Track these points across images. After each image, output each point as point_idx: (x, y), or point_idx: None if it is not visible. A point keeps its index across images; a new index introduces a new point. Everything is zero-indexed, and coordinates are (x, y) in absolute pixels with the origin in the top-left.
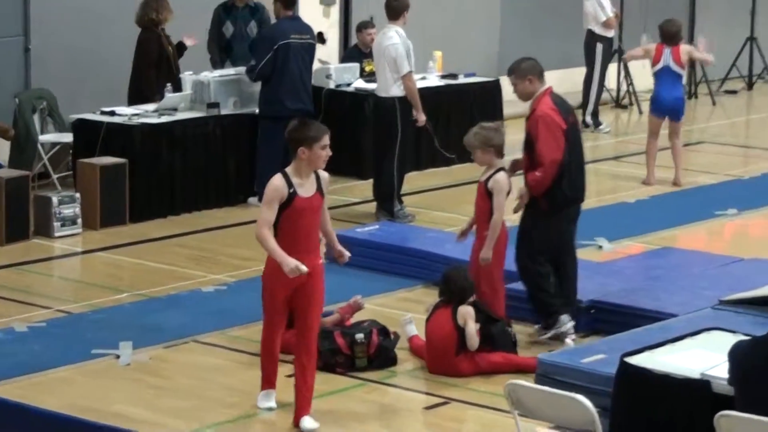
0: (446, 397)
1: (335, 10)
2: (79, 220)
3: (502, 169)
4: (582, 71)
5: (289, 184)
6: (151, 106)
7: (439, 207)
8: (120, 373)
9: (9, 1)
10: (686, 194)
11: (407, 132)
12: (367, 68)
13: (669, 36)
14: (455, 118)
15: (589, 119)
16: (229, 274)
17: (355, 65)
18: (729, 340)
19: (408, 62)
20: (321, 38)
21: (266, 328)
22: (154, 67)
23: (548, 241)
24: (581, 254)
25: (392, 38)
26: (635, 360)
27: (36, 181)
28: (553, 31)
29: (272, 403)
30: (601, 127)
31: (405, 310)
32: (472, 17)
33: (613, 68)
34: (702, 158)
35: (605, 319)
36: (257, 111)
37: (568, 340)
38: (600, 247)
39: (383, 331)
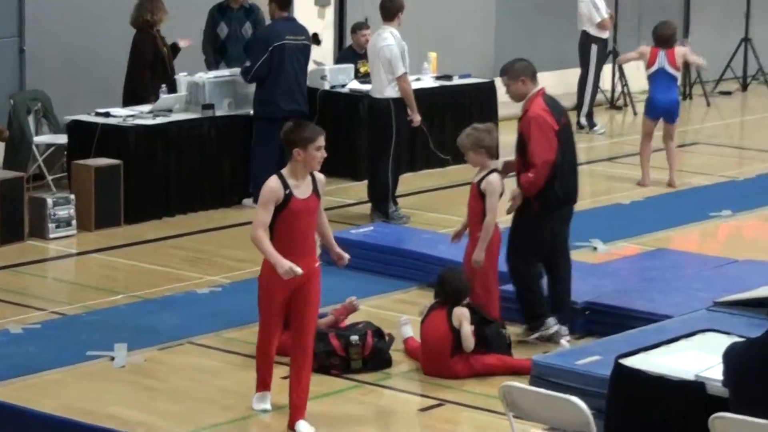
0: (441, 398)
1: (330, 11)
2: (74, 222)
3: (495, 170)
4: (577, 72)
5: (285, 186)
6: (145, 108)
7: (434, 208)
8: (115, 374)
9: (3, 3)
10: (681, 195)
11: (402, 133)
12: (362, 69)
13: (664, 39)
14: (450, 120)
15: (583, 120)
16: (224, 275)
17: (350, 66)
18: (724, 341)
19: (403, 63)
20: (316, 39)
21: (262, 331)
22: (149, 68)
23: (540, 242)
24: (576, 255)
25: (387, 39)
26: (630, 362)
27: (31, 182)
28: (547, 32)
29: (267, 405)
30: (595, 128)
31: (400, 312)
32: (467, 18)
33: (607, 69)
34: (696, 159)
35: (600, 320)
36: (252, 112)
37: (564, 342)
38: (595, 248)
39: (378, 333)
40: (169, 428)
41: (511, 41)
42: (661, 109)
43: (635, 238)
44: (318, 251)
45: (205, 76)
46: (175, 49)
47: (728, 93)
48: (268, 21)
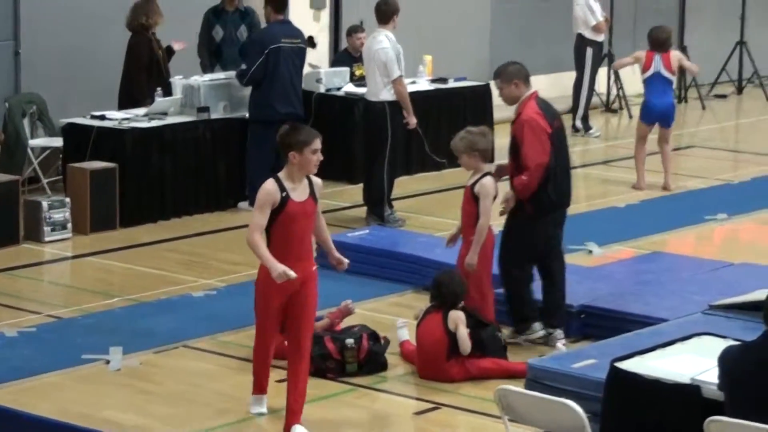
0: (436, 402)
1: (325, 14)
2: (69, 225)
3: (488, 173)
4: (572, 75)
5: (282, 189)
6: (141, 111)
7: (430, 211)
8: (110, 378)
9: None
10: (676, 199)
11: (397, 136)
12: (357, 72)
13: (659, 43)
14: (445, 123)
15: (579, 124)
16: (219, 278)
17: (345, 69)
18: (719, 345)
19: (398, 66)
20: (311, 42)
21: (259, 336)
22: (144, 71)
23: (534, 246)
24: (571, 259)
25: (382, 42)
26: (625, 365)
27: (26, 185)
28: (543, 36)
29: (263, 409)
30: (591, 131)
31: (395, 315)
32: (463, 21)
33: (603, 72)
34: (692, 163)
35: (595, 323)
36: (247, 115)
37: (560, 345)
38: (590, 251)
39: (373, 336)
40: (164, 431)
41: (506, 44)
42: (658, 113)
43: (631, 242)
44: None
45: (201, 79)
46: (169, 51)
47: (723, 96)
48: (263, 24)
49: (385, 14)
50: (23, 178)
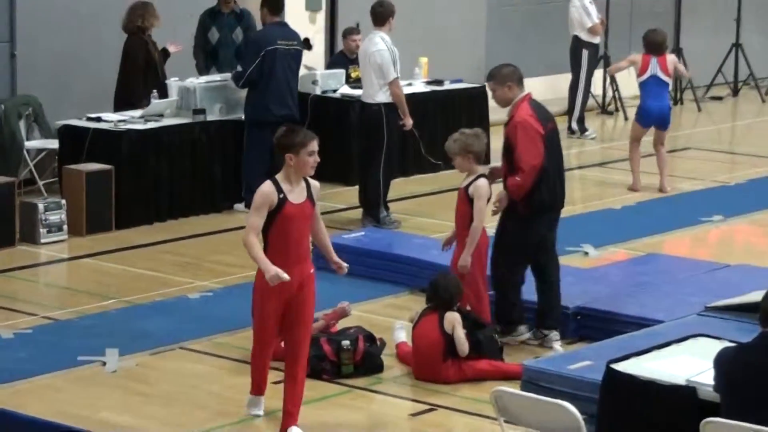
0: (432, 403)
1: (321, 16)
2: (65, 227)
3: (482, 175)
4: (568, 77)
5: (279, 190)
6: (137, 113)
7: (425, 213)
8: (106, 379)
9: None
10: (672, 201)
11: (393, 138)
12: (353, 74)
13: (655, 46)
14: (441, 125)
15: (575, 125)
16: (215, 280)
17: (341, 71)
18: (715, 346)
19: (394, 69)
20: (307, 44)
21: (257, 340)
22: (140, 73)
23: (527, 246)
24: (567, 260)
25: (378, 44)
26: (621, 366)
27: (22, 187)
28: (538, 38)
29: (260, 411)
30: (587, 133)
31: (391, 317)
32: (458, 23)
33: (598, 74)
34: (688, 164)
35: (591, 325)
36: (243, 117)
37: (557, 346)
38: (586, 253)
39: (369, 338)
40: None
41: (502, 46)
42: (654, 116)
43: (626, 243)
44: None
45: (196, 81)
46: (165, 54)
47: (719, 98)
48: (259, 26)
49: (381, 16)
50: (19, 180)
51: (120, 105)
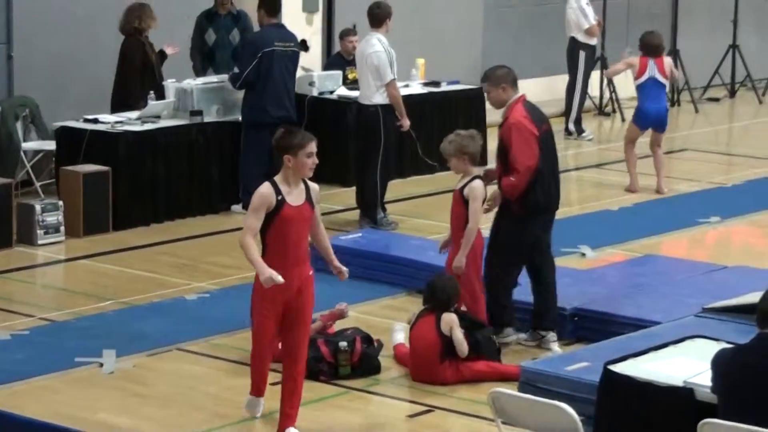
0: (430, 405)
1: (318, 18)
2: (62, 228)
3: (478, 176)
4: (565, 79)
5: (278, 192)
6: (134, 114)
7: (423, 214)
8: (103, 381)
9: None
10: (669, 202)
11: (390, 140)
12: (350, 76)
13: (653, 48)
14: (438, 126)
15: (572, 127)
16: (212, 281)
17: (338, 73)
18: (712, 347)
19: (391, 70)
20: (304, 46)
21: (256, 343)
22: (137, 74)
23: (521, 246)
24: (564, 262)
25: (374, 46)
26: (618, 368)
27: (19, 188)
28: (535, 39)
29: (258, 413)
30: (584, 134)
31: (388, 318)
32: (455, 24)
33: (595, 76)
34: (685, 166)
35: (588, 326)
36: (240, 118)
37: (555, 347)
38: (583, 254)
39: (367, 339)
40: None
41: (499, 48)
42: (653, 118)
43: (624, 245)
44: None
45: (194, 83)
46: (162, 55)
47: (716, 99)
48: (256, 27)
49: (378, 18)
50: (16, 182)
51: (117, 106)
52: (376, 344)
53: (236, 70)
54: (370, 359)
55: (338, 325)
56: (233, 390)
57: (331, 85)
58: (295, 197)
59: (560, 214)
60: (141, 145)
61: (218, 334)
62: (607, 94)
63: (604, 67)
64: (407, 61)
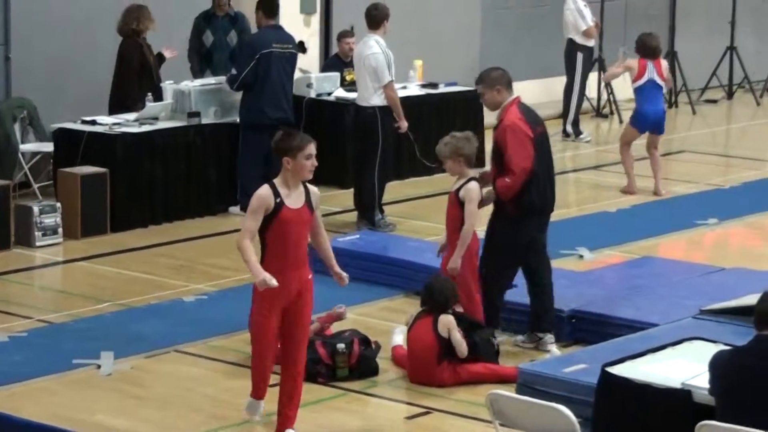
0: (427, 407)
1: (316, 19)
2: (60, 230)
3: (473, 178)
4: (562, 80)
5: (276, 195)
6: (131, 116)
7: (420, 216)
8: (101, 383)
9: None
10: (667, 204)
11: (388, 141)
12: (348, 77)
13: (651, 50)
14: (436, 128)
15: (569, 129)
16: (210, 283)
17: (336, 74)
18: (710, 349)
19: (389, 72)
20: (302, 47)
21: (258, 347)
22: (135, 76)
23: (516, 247)
24: (562, 263)
25: (372, 48)
26: (616, 370)
27: (17, 190)
28: (533, 41)
29: (257, 416)
30: (581, 136)
31: (386, 320)
32: (453, 26)
33: (593, 77)
34: (682, 167)
35: (586, 328)
36: (238, 120)
37: (554, 349)
38: (581, 256)
39: (364, 341)
40: None
41: (496, 49)
42: (652, 121)
43: (621, 246)
44: None
45: (191, 84)
46: (160, 58)
47: (714, 101)
48: (253, 29)
49: (376, 19)
50: (14, 183)
51: (115, 108)
52: (373, 346)
53: (234, 71)
54: (368, 361)
55: (336, 327)
56: (231, 392)
57: (328, 86)
58: (294, 200)
59: (558, 215)
60: (139, 147)
61: (216, 335)
62: (604, 96)
63: (601, 68)
64: (405, 63)
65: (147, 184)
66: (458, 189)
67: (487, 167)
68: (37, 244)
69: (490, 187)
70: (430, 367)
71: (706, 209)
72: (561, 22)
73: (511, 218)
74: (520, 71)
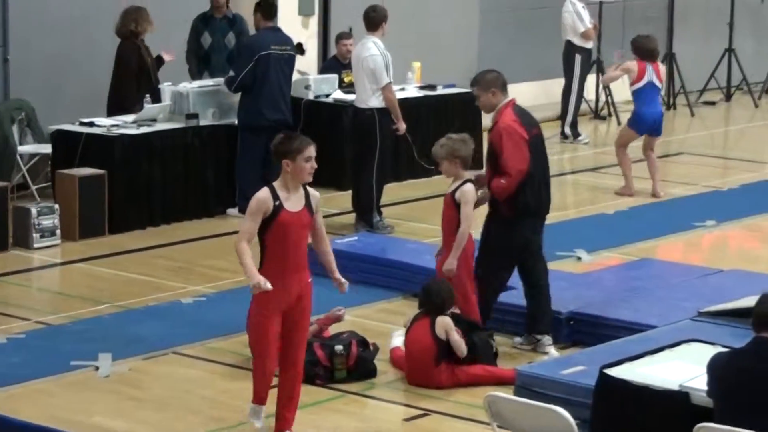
0: (425, 408)
1: (314, 21)
2: (58, 231)
3: (469, 180)
4: (561, 82)
5: (275, 197)
6: (129, 117)
7: (418, 218)
8: (99, 384)
9: None
10: (665, 206)
11: (386, 143)
12: (346, 79)
13: (649, 52)
14: (434, 129)
15: (568, 130)
16: (208, 285)
17: (334, 76)
18: (708, 351)
19: (387, 73)
20: (300, 49)
21: (259, 353)
22: (133, 78)
23: (511, 248)
24: (560, 265)
25: (370, 49)
26: (614, 372)
27: (15, 192)
28: (531, 43)
29: (260, 422)
30: (579, 138)
31: (384, 322)
32: (451, 28)
33: (591, 79)
34: (680, 169)
35: (584, 330)
36: (236, 122)
37: (553, 351)
38: (579, 258)
39: (362, 343)
40: None
41: (495, 51)
42: (651, 123)
43: (619, 248)
44: None
45: (189, 86)
46: (159, 61)
47: (712, 103)
48: (251, 31)
49: (374, 21)
50: (12, 185)
51: (113, 110)
52: (371, 348)
53: (232, 73)
54: (366, 363)
55: (334, 329)
56: (229, 393)
57: (327, 88)
58: (293, 203)
59: (556, 217)
60: (137, 149)
61: (214, 337)
62: (603, 98)
63: (600, 70)
64: (403, 65)
65: (145, 186)
66: (454, 191)
67: (481, 170)
68: (35, 245)
69: (485, 189)
70: (427, 368)
71: (704, 211)
72: (559, 24)
73: (506, 220)
74: (518, 73)
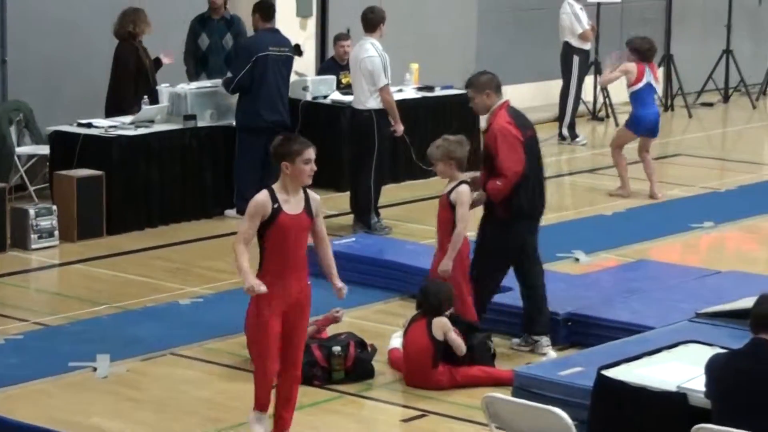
0: (423, 409)
1: (312, 23)
2: (56, 233)
3: (464, 181)
4: (558, 84)
5: (274, 200)
6: (127, 119)
7: (416, 219)
8: (97, 385)
9: None
10: (662, 207)
11: (384, 144)
12: (344, 80)
13: (647, 53)
14: (432, 131)
15: (565, 132)
16: (205, 286)
17: (332, 77)
18: (706, 352)
19: (385, 75)
20: (298, 50)
21: (261, 358)
22: (131, 79)
23: (507, 250)
24: (558, 267)
25: (368, 51)
26: (612, 373)
27: (13, 193)
28: (529, 44)
29: (263, 428)
30: (578, 139)
31: (382, 323)
32: (449, 29)
33: (589, 80)
34: (678, 171)
35: (582, 331)
36: (234, 123)
37: (551, 352)
38: (577, 259)
39: (360, 344)
40: None
41: (492, 52)
42: (649, 125)
43: (617, 250)
44: None
45: (187, 87)
46: (157, 63)
47: (710, 104)
48: (249, 32)
49: (372, 23)
50: (10, 186)
51: (111, 111)
52: (369, 349)
53: (230, 74)
54: (364, 364)
55: (332, 330)
56: (226, 394)
57: (324, 89)
58: (292, 206)
59: (554, 219)
60: (135, 150)
61: (212, 338)
62: (600, 99)
63: (597, 71)
64: (401, 66)
65: (143, 187)
66: (449, 192)
67: (477, 172)
68: (33, 246)
69: (480, 191)
70: (425, 370)
71: (701, 212)
72: (557, 25)
73: (502, 221)
74: (516, 74)
